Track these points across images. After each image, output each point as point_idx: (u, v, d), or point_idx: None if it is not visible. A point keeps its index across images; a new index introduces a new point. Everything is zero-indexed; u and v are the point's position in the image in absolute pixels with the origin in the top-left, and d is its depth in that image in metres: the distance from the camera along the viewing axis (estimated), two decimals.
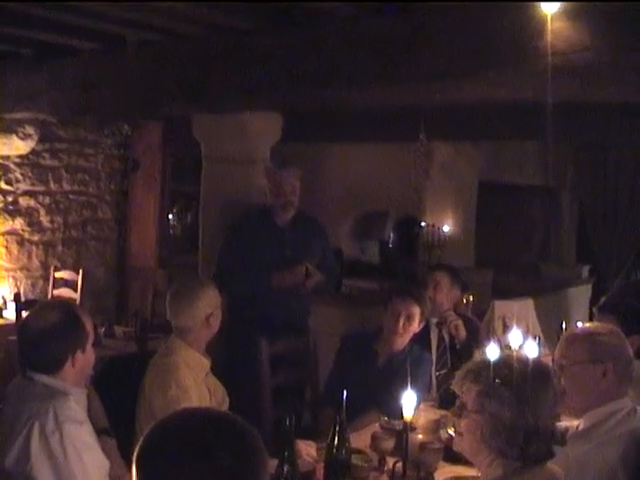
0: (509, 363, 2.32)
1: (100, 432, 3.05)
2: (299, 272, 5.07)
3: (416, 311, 4.31)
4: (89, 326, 3.02)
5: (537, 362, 2.38)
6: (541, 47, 3.54)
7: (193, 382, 3.56)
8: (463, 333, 4.80)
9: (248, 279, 5.09)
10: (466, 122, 6.91)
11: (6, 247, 7.96)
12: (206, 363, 3.73)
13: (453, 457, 3.25)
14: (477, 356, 2.50)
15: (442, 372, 4.73)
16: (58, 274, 7.85)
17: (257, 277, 5.09)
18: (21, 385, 2.97)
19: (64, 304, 3.37)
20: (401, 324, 4.29)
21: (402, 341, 4.34)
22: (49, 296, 7.71)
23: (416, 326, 4.35)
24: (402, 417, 3.04)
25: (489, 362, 2.34)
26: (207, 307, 3.68)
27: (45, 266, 8.20)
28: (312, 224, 5.45)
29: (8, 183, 7.95)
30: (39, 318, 2.99)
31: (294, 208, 5.24)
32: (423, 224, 8.68)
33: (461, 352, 4.63)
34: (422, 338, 4.65)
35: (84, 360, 2.99)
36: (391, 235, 10.04)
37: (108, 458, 2.93)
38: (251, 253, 5.13)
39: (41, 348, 2.93)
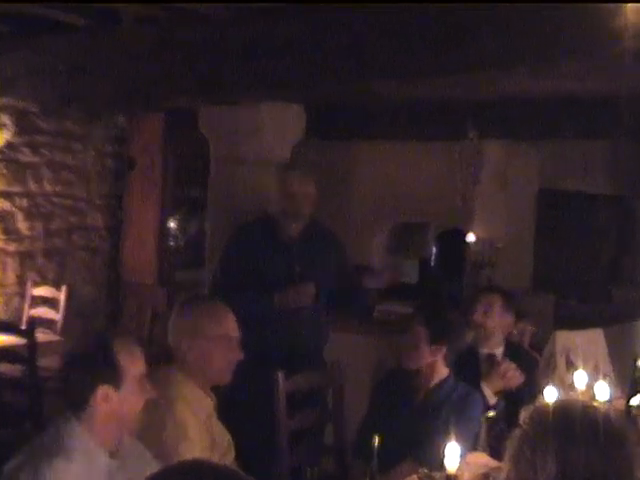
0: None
1: None
2: (307, 291, 5.06)
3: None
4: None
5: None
6: (616, 28, 3.51)
7: (193, 421, 3.52)
8: (519, 380, 4.75)
9: (247, 299, 4.98)
10: (523, 118, 6.90)
11: None
12: (209, 403, 3.67)
13: None
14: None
15: (493, 414, 4.68)
16: (37, 290, 7.86)
17: (258, 297, 5.06)
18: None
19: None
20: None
21: (441, 372, 4.34)
22: (25, 316, 7.68)
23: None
24: (444, 468, 3.02)
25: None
26: (196, 328, 3.62)
27: (21, 281, 8.19)
28: (325, 236, 5.43)
29: None
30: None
31: (304, 219, 5.22)
32: (471, 238, 8.64)
33: (517, 395, 4.57)
34: (471, 371, 4.64)
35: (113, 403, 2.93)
36: (432, 251, 10.01)
37: None
38: (251, 269, 5.11)
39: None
